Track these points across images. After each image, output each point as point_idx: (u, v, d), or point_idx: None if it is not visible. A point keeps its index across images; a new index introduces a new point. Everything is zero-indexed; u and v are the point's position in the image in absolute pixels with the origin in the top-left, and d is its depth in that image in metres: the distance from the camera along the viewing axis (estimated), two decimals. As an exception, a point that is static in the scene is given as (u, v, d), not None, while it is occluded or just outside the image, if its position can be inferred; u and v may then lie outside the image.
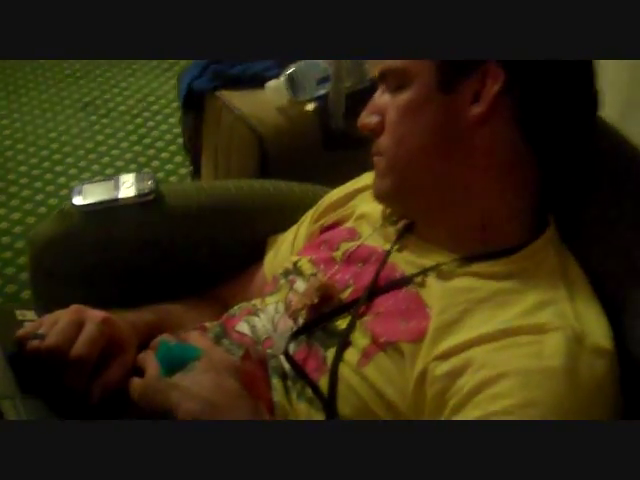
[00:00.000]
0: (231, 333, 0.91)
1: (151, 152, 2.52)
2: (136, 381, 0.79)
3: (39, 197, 2.31)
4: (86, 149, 2.54)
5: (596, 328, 0.75)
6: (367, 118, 0.88)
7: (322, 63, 1.50)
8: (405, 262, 0.87)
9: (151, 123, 2.64)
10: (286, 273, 0.96)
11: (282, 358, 0.84)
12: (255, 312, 0.94)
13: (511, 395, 0.69)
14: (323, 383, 0.80)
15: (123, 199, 1.06)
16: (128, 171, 2.42)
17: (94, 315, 0.82)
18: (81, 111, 2.73)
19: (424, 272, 0.84)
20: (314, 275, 0.92)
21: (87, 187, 1.08)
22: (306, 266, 0.95)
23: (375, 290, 0.85)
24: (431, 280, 0.83)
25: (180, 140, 1.93)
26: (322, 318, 0.86)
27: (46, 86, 2.87)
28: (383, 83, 0.87)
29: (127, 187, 1.07)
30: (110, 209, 1.06)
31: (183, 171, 2.37)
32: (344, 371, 0.80)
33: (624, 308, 0.78)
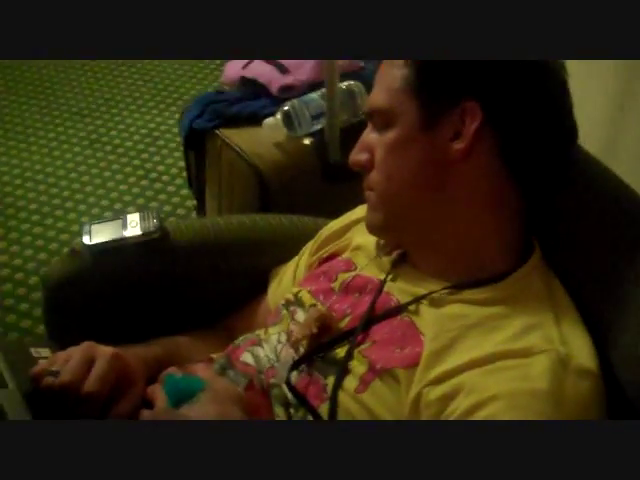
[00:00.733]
0: (236, 364, 0.95)
1: (158, 186, 2.57)
2: (145, 413, 0.83)
3: (50, 234, 2.37)
4: (94, 185, 2.59)
5: (581, 350, 0.79)
6: (357, 155, 0.92)
7: (317, 99, 1.55)
8: (399, 291, 0.91)
9: (157, 158, 2.70)
10: (287, 304, 1.01)
11: (284, 387, 0.88)
12: (259, 342, 0.98)
13: (501, 417, 0.72)
14: (324, 410, 0.84)
15: (130, 238, 1.11)
16: (136, 205, 2.47)
17: (104, 351, 0.87)
18: (88, 148, 2.79)
19: (417, 300, 0.88)
20: (313, 306, 0.97)
21: (95, 227, 1.13)
22: (306, 297, 0.99)
23: (371, 319, 0.89)
24: (424, 308, 0.87)
25: (185, 173, 1.98)
26: (321, 347, 0.90)
27: (53, 125, 2.93)
28: (371, 122, 0.92)
29: (133, 226, 1.12)
30: (118, 248, 1.10)
31: (189, 204, 2.42)
32: (343, 398, 0.84)
33: (608, 330, 0.81)
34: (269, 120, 1.56)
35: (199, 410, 0.79)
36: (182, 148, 1.82)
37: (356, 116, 1.55)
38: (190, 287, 1.16)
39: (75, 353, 0.86)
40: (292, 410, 0.87)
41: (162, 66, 3.33)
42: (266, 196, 1.50)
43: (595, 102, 1.42)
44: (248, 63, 1.74)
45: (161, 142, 2.80)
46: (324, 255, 1.07)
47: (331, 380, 0.86)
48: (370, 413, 0.81)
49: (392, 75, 0.88)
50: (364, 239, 1.01)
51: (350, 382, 0.84)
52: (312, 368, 0.89)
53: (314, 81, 1.62)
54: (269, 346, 0.96)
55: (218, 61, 3.26)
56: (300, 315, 0.97)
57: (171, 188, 2.55)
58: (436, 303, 0.87)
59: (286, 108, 1.54)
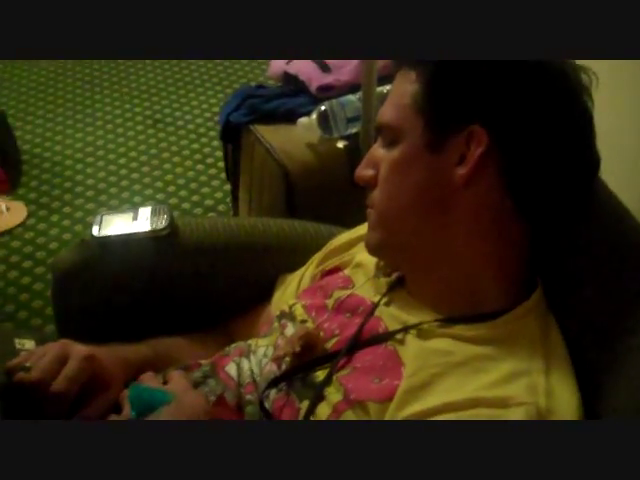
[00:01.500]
0: (220, 373, 0.93)
1: (212, 171, 2.57)
2: (111, 418, 0.81)
3: (102, 211, 2.40)
4: (151, 165, 2.62)
5: (564, 406, 0.73)
6: (363, 170, 0.88)
7: (355, 101, 1.51)
8: (390, 317, 0.87)
9: (216, 142, 2.70)
10: (281, 316, 0.98)
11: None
12: (247, 353, 0.95)
13: (463, 469, 0.68)
14: (293, 435, 0.81)
15: (138, 233, 1.10)
16: (188, 189, 2.48)
17: (78, 351, 0.86)
18: (151, 128, 2.81)
19: (405, 329, 0.84)
20: (304, 322, 0.93)
21: (106, 217, 1.12)
22: (299, 311, 0.96)
23: (356, 344, 0.85)
24: (411, 338, 0.83)
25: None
26: (303, 367, 0.87)
27: (120, 102, 2.98)
28: (380, 137, 0.87)
29: (143, 221, 1.11)
30: (124, 242, 1.10)
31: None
32: (314, 426, 0.80)
33: (598, 387, 0.75)
34: (304, 119, 1.52)
35: None
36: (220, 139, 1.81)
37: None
38: (195, 287, 1.14)
39: (49, 350, 0.85)
40: (264, 430, 0.84)
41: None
42: (292, 196, 1.47)
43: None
44: (292, 58, 1.71)
45: (222, 127, 2.81)
46: (327, 268, 1.04)
47: (305, 405, 0.82)
48: (337, 445, 0.78)
49: (403, 90, 0.83)
50: (366, 257, 0.96)
51: (323, 410, 0.81)
52: (290, 389, 0.86)
53: (355, 82, 1.57)
54: (255, 358, 0.94)
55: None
56: (289, 329, 0.94)
57: (223, 175, 2.55)
58: (424, 335, 0.82)
59: (323, 108, 1.51)
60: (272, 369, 0.90)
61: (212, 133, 2.77)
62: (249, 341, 0.99)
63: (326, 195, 1.47)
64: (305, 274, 1.08)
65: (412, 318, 0.84)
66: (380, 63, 1.40)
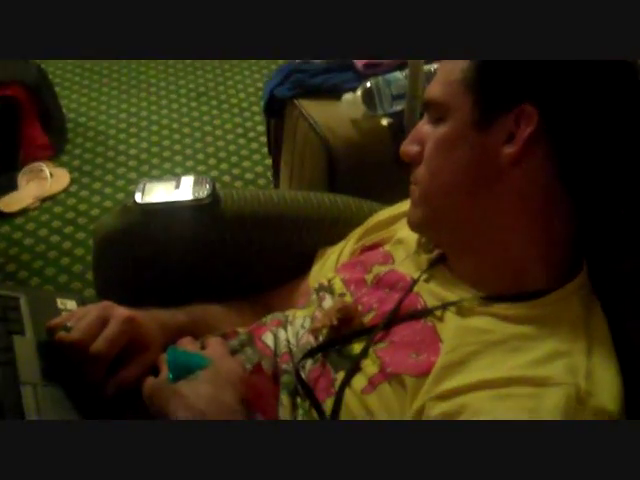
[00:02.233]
0: (257, 342, 0.93)
1: (254, 145, 2.58)
2: (148, 381, 0.82)
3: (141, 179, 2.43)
4: (194, 138, 2.63)
5: (605, 389, 0.72)
6: (408, 146, 0.87)
7: (402, 79, 1.49)
8: (429, 293, 0.86)
9: (258, 118, 2.70)
10: (319, 289, 0.98)
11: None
12: (284, 324, 0.95)
13: (497, 447, 0.67)
14: (328, 405, 0.81)
15: (180, 201, 1.10)
16: (229, 163, 2.49)
17: (119, 313, 0.87)
18: (195, 101, 2.82)
19: (444, 306, 0.83)
20: (342, 295, 0.93)
21: (149, 185, 1.13)
22: (338, 285, 0.96)
23: (394, 318, 0.85)
24: (450, 315, 0.82)
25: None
26: (339, 340, 0.87)
27: (166, 74, 2.99)
28: (427, 113, 0.86)
29: (186, 189, 1.11)
30: (167, 209, 1.10)
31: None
32: (349, 397, 0.80)
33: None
34: (348, 95, 1.51)
35: (192, 388, 0.78)
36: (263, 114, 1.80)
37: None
38: (235, 257, 1.14)
39: (91, 311, 0.86)
40: (299, 399, 0.85)
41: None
42: (334, 173, 1.46)
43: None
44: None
45: (265, 102, 2.81)
46: (367, 244, 1.03)
47: (341, 375, 0.83)
48: (371, 416, 0.78)
49: (452, 66, 0.82)
50: (407, 233, 0.96)
51: (359, 381, 0.81)
52: (326, 360, 0.86)
53: (402, 60, 1.55)
54: (293, 329, 0.94)
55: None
56: (328, 302, 0.94)
57: (265, 150, 2.55)
58: (463, 312, 0.81)
59: (368, 85, 1.49)
60: (309, 340, 0.90)
61: (255, 108, 2.77)
62: (287, 312, 0.99)
63: (368, 172, 1.46)
64: (345, 248, 1.08)
65: (452, 295, 0.84)
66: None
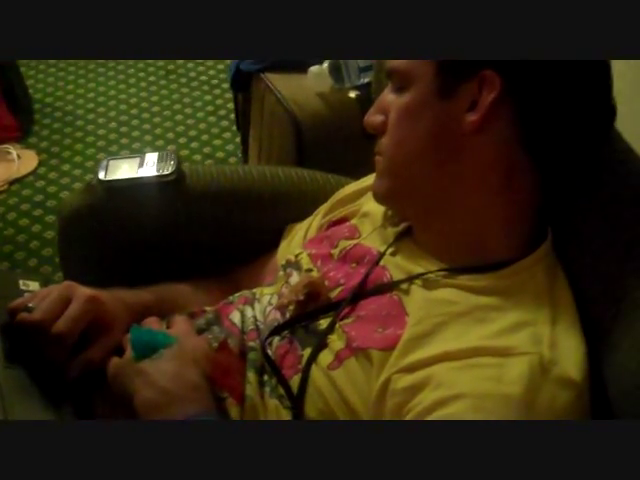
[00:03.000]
0: (224, 320, 0.93)
1: (224, 124, 2.55)
2: (113, 362, 0.81)
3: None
4: (163, 116, 2.60)
5: (569, 357, 0.72)
6: (372, 116, 0.87)
7: (368, 51, 1.47)
8: (395, 267, 0.85)
9: (228, 95, 2.66)
10: (286, 265, 0.97)
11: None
12: (251, 301, 0.94)
13: (462, 417, 0.67)
14: (295, 382, 0.81)
15: (144, 178, 1.08)
16: (200, 141, 2.47)
17: (81, 293, 0.85)
18: (164, 79, 2.79)
19: (410, 279, 0.83)
20: (309, 271, 0.92)
21: (112, 162, 1.11)
22: (305, 260, 0.95)
23: (361, 293, 0.84)
24: (415, 288, 0.82)
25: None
26: (306, 316, 0.86)
27: (133, 52, 2.94)
28: (390, 82, 0.85)
29: (150, 166, 1.09)
30: (131, 187, 1.08)
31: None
32: (315, 373, 0.80)
33: (604, 340, 0.74)
34: (315, 68, 1.49)
35: (157, 365, 0.77)
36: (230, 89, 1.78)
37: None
38: (201, 234, 1.13)
39: (53, 291, 0.85)
40: (266, 377, 0.84)
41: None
42: (301, 147, 1.44)
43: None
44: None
45: (235, 79, 2.77)
46: (334, 218, 1.02)
47: (308, 352, 0.82)
48: (338, 392, 0.77)
49: None
50: (374, 206, 0.95)
51: (325, 357, 0.80)
52: (293, 336, 0.85)
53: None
54: (260, 306, 0.93)
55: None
56: (295, 278, 0.93)
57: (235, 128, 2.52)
58: (429, 285, 0.81)
59: (335, 57, 1.47)
60: (276, 317, 0.89)
61: (225, 85, 2.73)
62: (254, 289, 0.98)
63: (337, 146, 1.45)
64: (312, 224, 1.07)
65: (418, 268, 0.83)
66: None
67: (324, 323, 0.84)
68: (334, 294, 0.87)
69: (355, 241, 0.92)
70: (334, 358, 0.80)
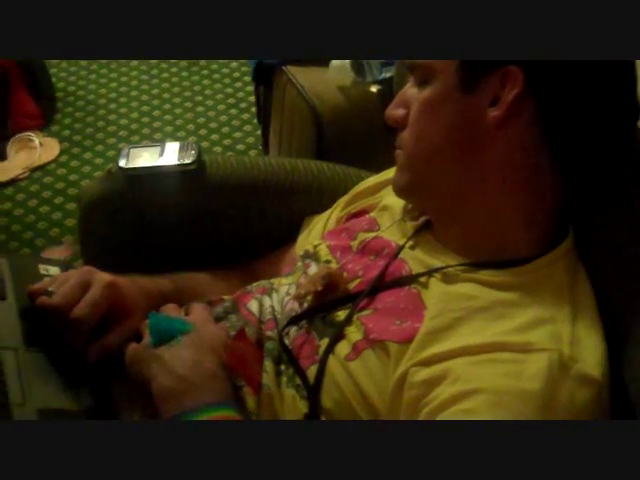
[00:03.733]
0: (241, 309, 0.93)
1: (245, 116, 2.55)
2: (131, 347, 0.82)
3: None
4: (184, 108, 2.60)
5: (589, 355, 0.71)
6: (393, 110, 0.86)
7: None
8: (414, 260, 0.85)
9: (250, 88, 2.67)
10: (305, 256, 0.97)
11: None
12: (269, 291, 0.94)
13: (480, 413, 0.67)
14: (312, 372, 0.80)
15: (164, 167, 1.09)
16: (220, 133, 2.47)
17: (101, 278, 0.86)
18: (186, 70, 2.79)
19: (430, 273, 0.82)
20: (327, 262, 0.92)
21: (133, 150, 1.11)
22: (324, 252, 0.95)
23: (379, 285, 0.84)
24: (435, 282, 0.81)
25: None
26: (324, 307, 0.86)
27: (156, 43, 2.95)
28: (412, 76, 0.85)
29: (170, 155, 1.10)
30: (151, 175, 1.09)
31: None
32: (332, 364, 0.80)
33: (625, 338, 0.73)
34: (337, 61, 1.49)
35: (174, 352, 0.78)
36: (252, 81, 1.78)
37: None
38: (221, 224, 1.13)
39: (72, 276, 0.85)
40: (283, 366, 0.84)
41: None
42: (322, 140, 1.44)
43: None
44: None
45: (256, 72, 2.78)
46: (353, 211, 1.02)
47: (325, 342, 0.82)
48: (355, 384, 0.77)
49: None
50: (393, 200, 0.95)
51: (342, 348, 0.80)
52: (311, 327, 0.85)
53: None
54: (278, 296, 0.93)
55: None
56: (313, 269, 0.93)
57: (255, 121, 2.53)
58: (448, 279, 0.81)
59: (358, 50, 1.46)
60: (293, 307, 0.89)
61: (246, 78, 2.73)
62: (272, 280, 0.99)
63: (357, 140, 1.45)
64: (331, 216, 1.07)
65: (437, 262, 0.83)
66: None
67: (342, 314, 0.84)
68: (352, 286, 0.87)
69: (374, 234, 0.92)
70: (351, 349, 0.79)
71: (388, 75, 1.47)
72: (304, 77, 1.53)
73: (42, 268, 0.93)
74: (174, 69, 2.80)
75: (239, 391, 0.80)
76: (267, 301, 0.92)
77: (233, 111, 2.58)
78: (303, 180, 1.13)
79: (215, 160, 1.12)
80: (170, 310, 0.88)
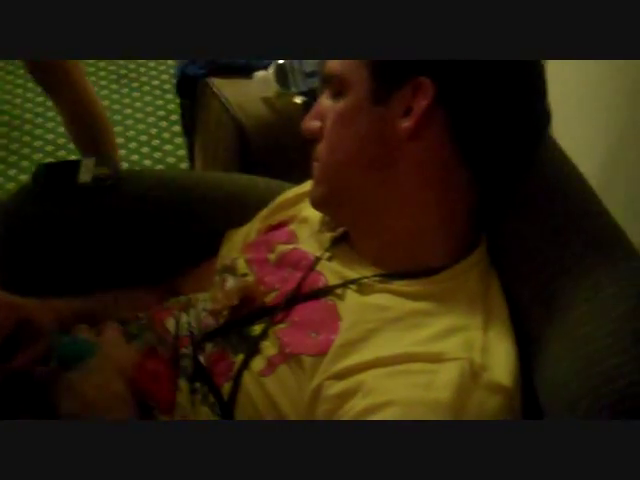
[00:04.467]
0: (157, 326, 0.91)
1: (175, 128, 2.52)
2: (38, 370, 0.79)
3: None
4: (114, 121, 2.55)
5: (500, 363, 0.72)
6: (309, 122, 0.86)
7: (313, 56, 1.47)
8: (331, 272, 0.85)
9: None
10: (222, 270, 0.95)
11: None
12: (186, 307, 0.93)
13: (392, 424, 0.66)
14: (226, 389, 0.79)
15: (79, 183, 1.06)
16: (150, 146, 2.44)
17: (1, 300, 0.83)
18: (115, 83, 2.75)
19: (345, 284, 0.82)
20: (244, 275, 0.91)
21: (50, 166, 1.09)
22: (241, 265, 0.93)
23: (296, 298, 0.83)
24: (350, 293, 0.81)
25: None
26: (240, 321, 0.85)
27: (84, 56, 2.90)
28: (327, 88, 0.85)
29: (86, 171, 1.07)
30: (66, 191, 1.06)
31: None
32: (247, 380, 0.78)
33: (536, 342, 0.74)
34: (261, 73, 1.48)
35: (80, 377, 0.76)
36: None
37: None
38: (141, 240, 1.10)
39: (-25, 298, 0.82)
40: (197, 384, 0.82)
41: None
42: (247, 153, 1.43)
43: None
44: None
45: (187, 84, 2.75)
46: (273, 223, 1.01)
47: (240, 358, 0.80)
48: (269, 398, 0.76)
49: None
50: (312, 212, 0.94)
51: (257, 363, 0.79)
52: (226, 342, 0.84)
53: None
54: (195, 312, 0.91)
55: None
56: (230, 283, 0.91)
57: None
58: (363, 290, 0.80)
59: (281, 62, 1.46)
60: (210, 323, 0.87)
61: (177, 90, 2.71)
62: (190, 295, 0.97)
63: (282, 152, 1.43)
64: (252, 229, 1.05)
65: (353, 273, 0.83)
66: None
67: (258, 329, 0.83)
68: (269, 299, 0.86)
69: (292, 246, 0.91)
70: (266, 364, 0.78)
71: (313, 86, 1.47)
72: (228, 89, 1.51)
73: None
74: (103, 82, 2.75)
75: (152, 412, 0.78)
76: (184, 317, 0.91)
77: (163, 123, 2.55)
78: (224, 194, 1.12)
79: (134, 175, 1.10)
80: (81, 330, 0.85)
